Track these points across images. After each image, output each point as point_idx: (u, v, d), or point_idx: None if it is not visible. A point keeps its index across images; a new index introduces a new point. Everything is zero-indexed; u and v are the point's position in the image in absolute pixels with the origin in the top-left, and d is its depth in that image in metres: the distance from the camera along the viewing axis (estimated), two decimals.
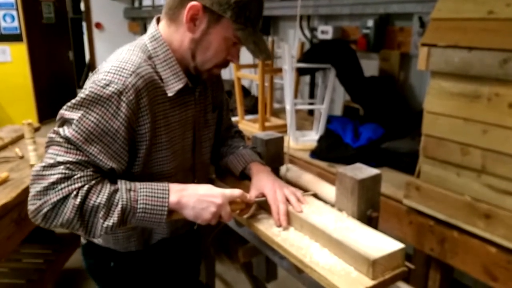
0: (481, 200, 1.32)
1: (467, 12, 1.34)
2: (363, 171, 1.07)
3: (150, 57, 1.06)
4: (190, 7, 1.00)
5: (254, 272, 1.61)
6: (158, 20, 1.11)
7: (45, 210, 0.92)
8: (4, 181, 1.80)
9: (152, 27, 1.10)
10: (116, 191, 0.97)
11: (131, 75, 0.98)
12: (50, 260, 2.39)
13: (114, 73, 0.98)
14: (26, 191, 1.74)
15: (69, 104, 0.97)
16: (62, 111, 0.98)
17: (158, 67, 1.06)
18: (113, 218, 0.95)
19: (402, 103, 2.34)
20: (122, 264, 1.22)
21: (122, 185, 0.99)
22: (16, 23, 4.77)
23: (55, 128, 0.97)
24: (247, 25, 1.02)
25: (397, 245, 0.91)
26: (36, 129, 2.39)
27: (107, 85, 0.96)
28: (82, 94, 0.97)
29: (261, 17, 1.07)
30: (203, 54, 1.06)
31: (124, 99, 0.97)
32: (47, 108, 5.12)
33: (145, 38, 1.09)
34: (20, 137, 2.34)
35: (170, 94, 1.06)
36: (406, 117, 2.15)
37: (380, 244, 0.92)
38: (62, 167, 0.93)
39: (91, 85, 0.97)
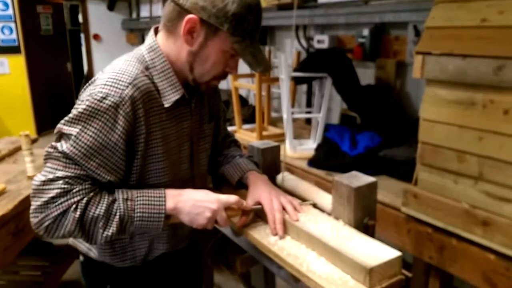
0: (479, 207, 1.32)
1: (460, 20, 1.35)
2: (359, 179, 1.07)
3: (147, 68, 1.06)
4: (187, 20, 1.00)
5: (252, 282, 1.60)
6: (156, 31, 1.11)
7: (46, 223, 0.96)
8: (1, 193, 1.79)
9: (150, 38, 1.10)
10: (114, 201, 1.00)
11: (127, 86, 0.98)
12: (47, 272, 2.38)
13: (111, 85, 0.98)
14: (23, 203, 1.74)
15: (67, 118, 0.98)
16: (60, 126, 0.99)
17: (155, 78, 1.06)
18: (112, 228, 0.98)
19: (398, 111, 2.35)
20: (120, 284, 1.21)
21: (119, 194, 1.01)
22: (14, 35, 4.80)
23: (53, 143, 0.98)
24: (245, 37, 1.02)
25: (393, 253, 0.91)
26: (34, 141, 2.39)
27: (104, 98, 0.97)
28: (79, 107, 0.97)
29: (259, 29, 1.07)
30: (201, 67, 1.06)
31: (121, 111, 0.97)
32: (45, 120, 5.13)
33: (142, 49, 1.09)
34: (18, 149, 2.34)
35: (166, 105, 1.06)
36: (403, 125, 2.16)
37: (377, 252, 0.92)
38: (61, 181, 0.95)
39: (88, 98, 0.97)
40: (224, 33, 1.01)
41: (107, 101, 0.96)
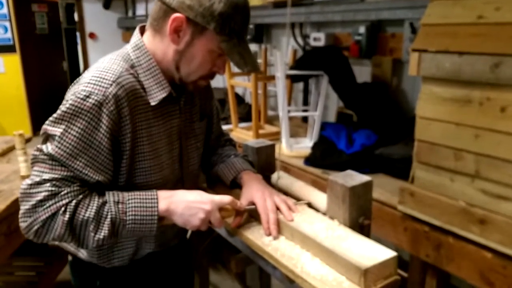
0: (476, 205, 1.31)
1: (456, 17, 1.34)
2: (354, 178, 1.06)
3: (132, 66, 1.05)
4: (173, 19, 0.99)
5: (248, 282, 1.59)
6: (141, 30, 1.10)
7: (35, 227, 0.94)
8: None
9: (135, 36, 1.09)
10: (104, 203, 0.98)
11: (111, 84, 0.97)
12: (42, 273, 2.36)
13: (94, 84, 0.97)
14: (15, 203, 1.72)
15: (51, 118, 0.97)
16: (45, 126, 0.97)
17: (141, 76, 1.05)
18: (104, 231, 0.96)
19: (395, 108, 2.33)
20: (109, 282, 1.19)
21: (110, 197, 0.99)
22: (9, 34, 4.76)
23: (39, 146, 0.97)
24: (232, 37, 1.01)
25: (389, 253, 0.90)
26: (28, 140, 2.37)
27: (87, 96, 0.95)
28: (63, 107, 0.96)
29: (247, 29, 1.06)
30: (188, 66, 1.05)
31: (104, 110, 0.96)
32: (41, 119, 5.07)
33: (128, 47, 1.08)
34: (11, 148, 2.31)
35: (153, 103, 1.05)
36: (399, 123, 2.15)
37: (372, 252, 0.90)
38: (48, 184, 0.94)
39: (72, 97, 0.96)
40: (211, 32, 1.00)
41: (90, 100, 0.95)
